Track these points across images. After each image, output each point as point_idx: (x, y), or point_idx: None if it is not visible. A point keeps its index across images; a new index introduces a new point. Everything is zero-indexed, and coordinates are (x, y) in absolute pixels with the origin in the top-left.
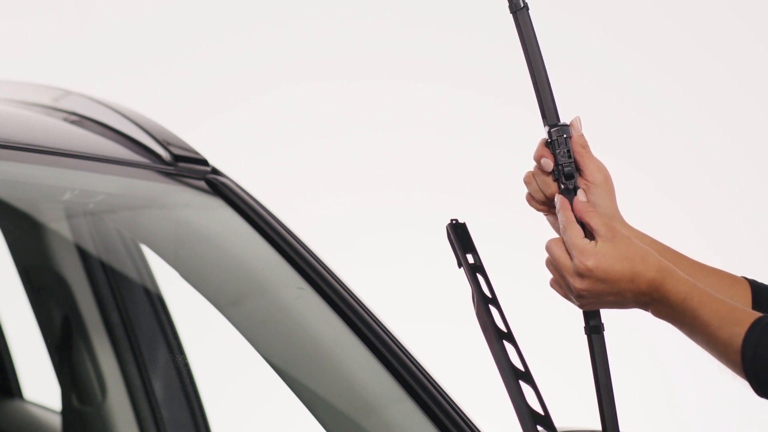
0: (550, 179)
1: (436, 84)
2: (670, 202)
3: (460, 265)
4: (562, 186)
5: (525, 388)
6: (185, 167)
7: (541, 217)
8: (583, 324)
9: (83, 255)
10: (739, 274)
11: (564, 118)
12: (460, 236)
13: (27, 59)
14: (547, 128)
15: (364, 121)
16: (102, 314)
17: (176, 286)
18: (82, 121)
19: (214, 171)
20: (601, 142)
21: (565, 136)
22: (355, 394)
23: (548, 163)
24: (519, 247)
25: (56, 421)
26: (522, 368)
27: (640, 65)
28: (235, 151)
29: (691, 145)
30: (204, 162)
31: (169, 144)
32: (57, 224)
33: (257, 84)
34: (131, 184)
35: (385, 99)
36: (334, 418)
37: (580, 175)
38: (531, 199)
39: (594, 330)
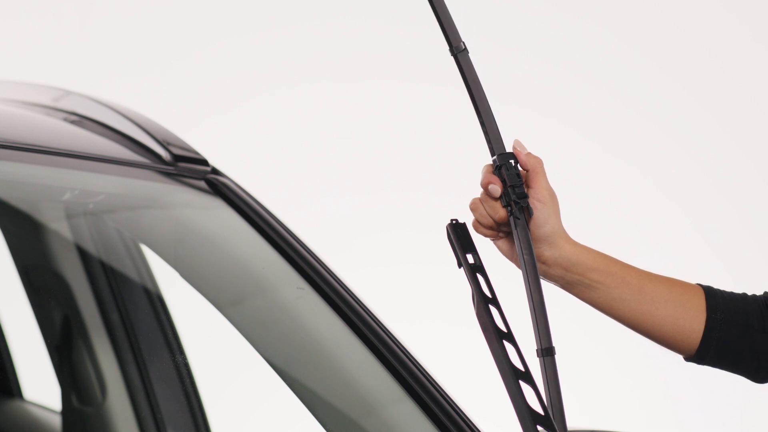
0: (498, 204)
1: (436, 84)
2: (670, 202)
3: (460, 265)
4: (515, 204)
5: (525, 388)
6: (185, 167)
7: None
8: (535, 347)
9: (83, 255)
10: (729, 277)
11: (568, 116)
12: (460, 236)
13: (27, 59)
14: (494, 157)
15: (364, 121)
16: (102, 314)
17: (176, 286)
18: (82, 121)
19: (214, 171)
20: (601, 142)
21: (511, 161)
22: (355, 394)
23: (496, 189)
24: None
25: (56, 421)
26: (522, 368)
27: (640, 65)
28: (235, 151)
29: (691, 144)
30: (204, 162)
31: (169, 144)
32: (57, 224)
33: (257, 84)
34: (131, 184)
35: (385, 99)
36: (334, 418)
37: (528, 193)
38: (478, 225)
39: (546, 353)
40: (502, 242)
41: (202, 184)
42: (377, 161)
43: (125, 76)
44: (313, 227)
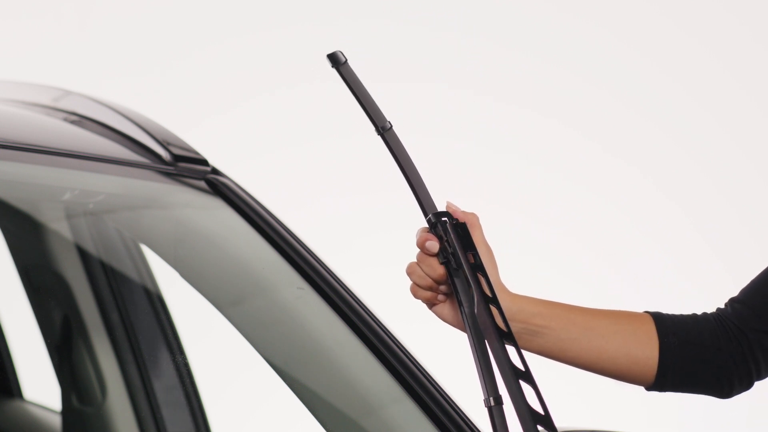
0: (435, 262)
1: (436, 84)
2: (670, 202)
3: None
4: (453, 263)
5: (525, 388)
6: (185, 167)
7: (538, 216)
8: (482, 397)
9: (83, 255)
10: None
11: (568, 116)
12: (460, 236)
13: (27, 59)
14: (428, 217)
15: (364, 121)
16: (102, 314)
17: (176, 286)
18: (82, 121)
19: (214, 171)
20: (601, 142)
21: (444, 219)
22: (355, 394)
23: (434, 245)
24: (519, 247)
25: (56, 421)
26: (522, 368)
27: (640, 65)
28: (235, 151)
29: (691, 144)
30: (204, 162)
31: (169, 144)
32: (57, 224)
33: (257, 84)
34: (131, 184)
35: (386, 99)
36: (334, 418)
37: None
38: (417, 289)
39: (496, 401)
40: (442, 307)
41: (202, 184)
42: (377, 161)
43: (125, 76)
44: (313, 227)
